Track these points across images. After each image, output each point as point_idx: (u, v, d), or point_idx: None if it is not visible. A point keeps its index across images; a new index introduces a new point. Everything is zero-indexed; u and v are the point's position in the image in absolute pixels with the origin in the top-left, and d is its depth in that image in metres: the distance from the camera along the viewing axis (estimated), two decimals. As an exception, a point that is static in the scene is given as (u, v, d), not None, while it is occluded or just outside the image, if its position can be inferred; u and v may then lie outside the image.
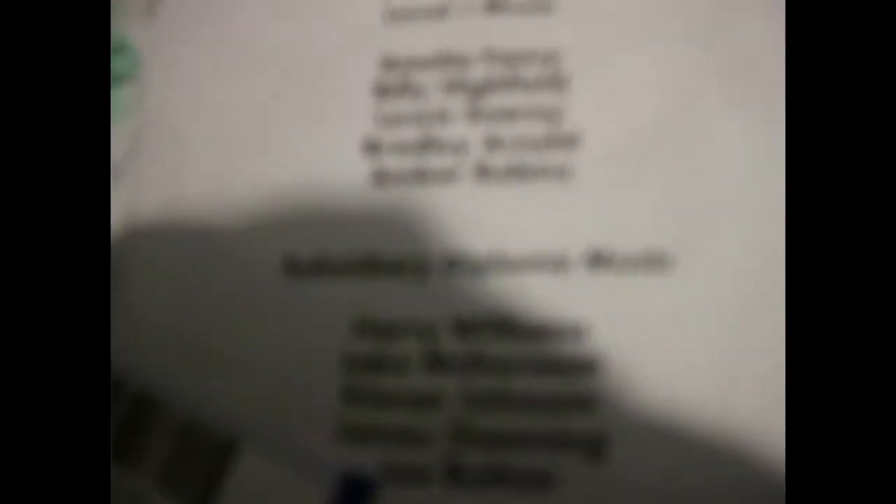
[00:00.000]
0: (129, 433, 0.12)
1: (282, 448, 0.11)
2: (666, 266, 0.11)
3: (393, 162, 0.13)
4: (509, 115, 0.12)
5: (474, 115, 0.13)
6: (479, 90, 0.13)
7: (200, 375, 0.12)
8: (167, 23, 0.15)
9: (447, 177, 0.12)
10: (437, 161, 0.12)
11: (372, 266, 0.12)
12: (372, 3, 0.14)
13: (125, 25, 0.16)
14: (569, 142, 0.12)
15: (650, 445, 0.11)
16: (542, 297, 0.11)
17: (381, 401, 0.12)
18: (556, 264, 0.12)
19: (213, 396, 0.12)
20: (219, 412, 0.12)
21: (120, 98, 0.16)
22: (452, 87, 0.13)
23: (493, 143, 0.12)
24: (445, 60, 0.13)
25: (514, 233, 0.12)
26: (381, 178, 0.13)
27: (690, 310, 0.11)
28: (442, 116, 0.13)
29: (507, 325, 0.11)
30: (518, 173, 0.12)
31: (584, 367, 0.11)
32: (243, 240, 0.13)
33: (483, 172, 0.12)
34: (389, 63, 0.13)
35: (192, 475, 0.12)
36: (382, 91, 0.13)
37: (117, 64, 0.16)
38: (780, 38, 0.12)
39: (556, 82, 0.13)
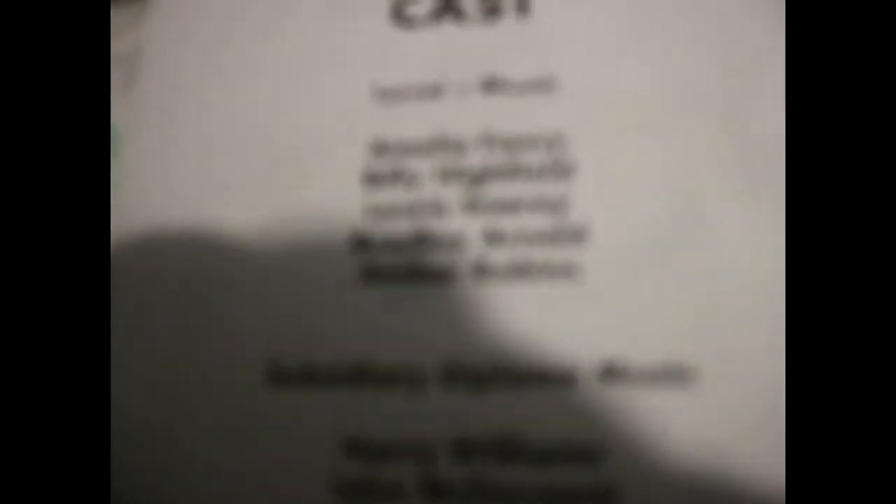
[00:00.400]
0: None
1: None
2: (686, 380, 0.10)
3: (384, 258, 0.12)
4: (511, 206, 0.12)
5: (472, 206, 0.12)
6: (477, 178, 0.12)
7: (179, 486, 0.11)
8: (146, 99, 0.14)
9: (443, 275, 0.11)
10: (432, 257, 0.11)
11: (362, 376, 0.11)
12: (361, 83, 0.13)
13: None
14: (576, 236, 0.11)
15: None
16: (550, 414, 0.10)
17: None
18: (565, 377, 0.11)
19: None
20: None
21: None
22: (448, 174, 0.12)
23: (492, 238, 0.11)
24: (440, 145, 0.12)
25: (519, 339, 0.11)
26: (371, 276, 0.11)
27: (716, 429, 0.10)
28: (437, 208, 0.12)
29: (512, 448, 0.10)
30: (521, 271, 0.11)
31: (598, 496, 0.10)
32: (223, 342, 0.12)
33: (482, 270, 0.11)
34: (380, 148, 0.12)
35: None
36: (373, 179, 0.12)
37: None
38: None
39: (561, 169, 0.12)
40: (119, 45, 0.16)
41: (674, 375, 0.10)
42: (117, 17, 0.17)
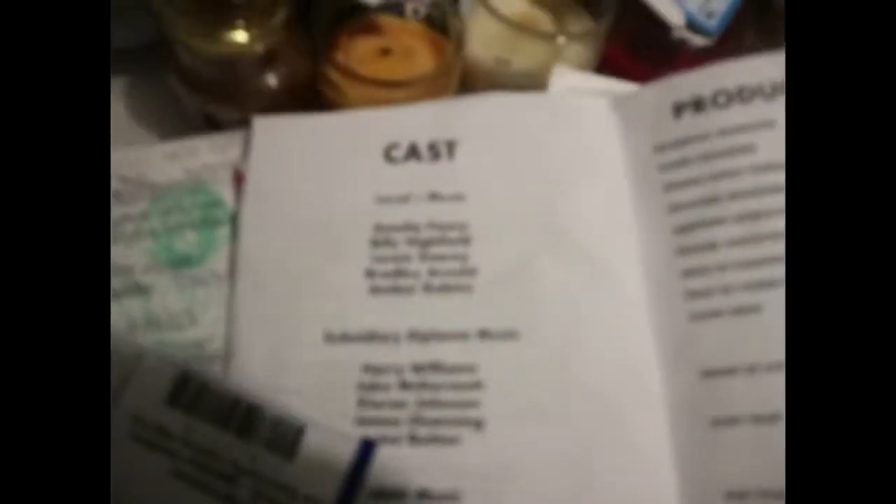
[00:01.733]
0: None
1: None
2: (515, 337, 0.23)
3: (382, 281, 0.24)
4: (439, 258, 0.24)
5: (423, 257, 0.24)
6: (424, 244, 0.25)
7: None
8: (251, 190, 0.26)
9: (409, 290, 0.24)
10: (404, 281, 0.24)
11: (370, 338, 0.24)
12: (368, 194, 0.25)
13: (221, 190, 0.28)
14: (472, 272, 0.24)
15: None
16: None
17: None
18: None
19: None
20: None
21: (219, 234, 0.27)
22: (412, 241, 0.25)
23: (432, 272, 0.24)
24: (408, 227, 0.25)
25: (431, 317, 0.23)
26: (375, 290, 0.24)
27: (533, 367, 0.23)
28: (406, 258, 0.24)
29: None
30: (444, 289, 0.24)
31: None
32: (300, 320, 0.24)
33: (428, 288, 0.24)
34: (379, 227, 0.25)
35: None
36: (376, 243, 0.25)
37: (216, 213, 0.28)
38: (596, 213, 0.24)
39: (465, 240, 0.25)
40: (230, 155, 0.28)
41: (510, 335, 0.23)
42: (226, 138, 0.29)
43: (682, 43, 0.31)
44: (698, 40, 0.31)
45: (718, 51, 0.31)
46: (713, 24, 0.31)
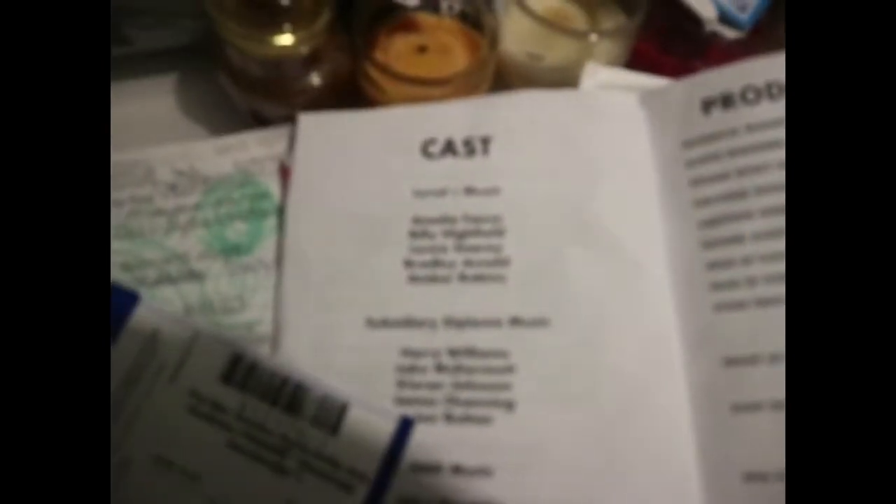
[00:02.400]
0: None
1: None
2: (546, 324, 0.24)
3: (420, 271, 0.26)
4: (474, 249, 0.26)
5: (459, 248, 0.26)
6: (460, 235, 0.26)
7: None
8: (296, 183, 0.28)
9: (445, 279, 0.25)
10: (441, 271, 0.25)
11: (407, 323, 0.25)
12: (407, 187, 0.27)
13: (268, 182, 0.29)
14: (505, 262, 0.25)
15: None
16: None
17: None
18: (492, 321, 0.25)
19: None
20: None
21: (266, 225, 0.29)
22: (448, 233, 0.26)
23: (467, 263, 0.25)
24: (444, 220, 0.26)
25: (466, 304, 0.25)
26: (413, 279, 0.26)
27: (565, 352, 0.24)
28: (443, 249, 0.26)
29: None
30: (478, 278, 0.25)
31: None
32: (342, 305, 0.26)
33: (463, 277, 0.25)
34: (417, 220, 0.26)
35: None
36: (414, 234, 0.26)
37: (264, 204, 0.29)
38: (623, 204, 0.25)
39: (498, 231, 0.26)
40: (276, 149, 0.30)
41: (540, 322, 0.24)
42: (272, 133, 0.30)
43: (713, 36, 0.31)
44: (730, 33, 0.31)
45: (750, 43, 0.31)
46: (745, 17, 0.31)
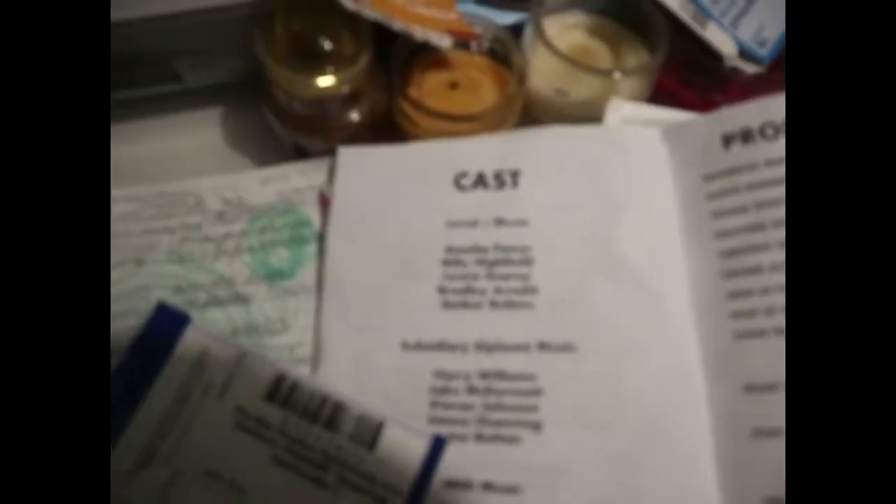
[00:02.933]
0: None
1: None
2: (572, 350, 0.26)
3: (452, 297, 0.27)
4: (503, 277, 0.27)
5: (489, 276, 0.27)
6: (491, 264, 0.27)
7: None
8: (336, 213, 0.30)
9: (477, 305, 0.27)
10: (472, 297, 0.27)
11: (440, 346, 0.27)
12: (440, 219, 0.29)
13: (308, 211, 0.31)
14: (533, 290, 0.27)
15: None
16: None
17: None
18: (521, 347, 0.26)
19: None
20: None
21: (307, 251, 0.31)
22: (479, 262, 0.28)
23: (497, 290, 0.27)
24: (476, 249, 0.28)
25: (497, 329, 0.26)
26: (446, 305, 0.27)
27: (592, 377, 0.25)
28: (474, 277, 0.27)
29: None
30: (508, 305, 0.27)
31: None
32: (380, 328, 0.27)
33: (494, 304, 0.27)
34: (450, 249, 0.28)
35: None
36: (447, 263, 0.28)
37: (304, 232, 0.31)
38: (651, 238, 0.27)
39: (527, 261, 0.27)
40: (316, 179, 0.32)
41: (567, 348, 0.26)
42: (313, 165, 0.32)
43: (734, 71, 0.32)
44: (750, 68, 0.32)
45: (771, 77, 0.32)
46: (765, 52, 0.33)
